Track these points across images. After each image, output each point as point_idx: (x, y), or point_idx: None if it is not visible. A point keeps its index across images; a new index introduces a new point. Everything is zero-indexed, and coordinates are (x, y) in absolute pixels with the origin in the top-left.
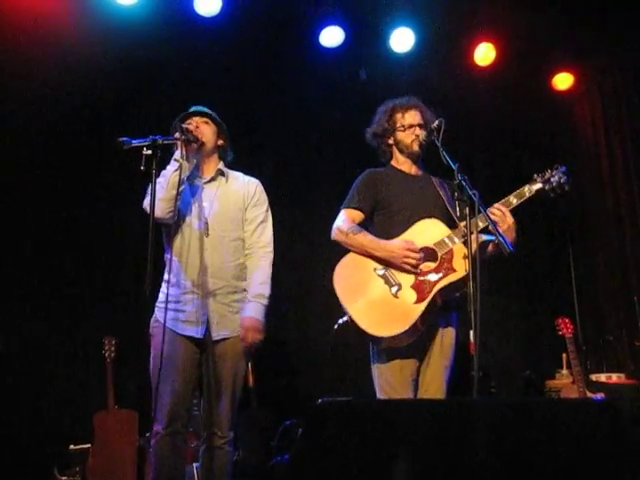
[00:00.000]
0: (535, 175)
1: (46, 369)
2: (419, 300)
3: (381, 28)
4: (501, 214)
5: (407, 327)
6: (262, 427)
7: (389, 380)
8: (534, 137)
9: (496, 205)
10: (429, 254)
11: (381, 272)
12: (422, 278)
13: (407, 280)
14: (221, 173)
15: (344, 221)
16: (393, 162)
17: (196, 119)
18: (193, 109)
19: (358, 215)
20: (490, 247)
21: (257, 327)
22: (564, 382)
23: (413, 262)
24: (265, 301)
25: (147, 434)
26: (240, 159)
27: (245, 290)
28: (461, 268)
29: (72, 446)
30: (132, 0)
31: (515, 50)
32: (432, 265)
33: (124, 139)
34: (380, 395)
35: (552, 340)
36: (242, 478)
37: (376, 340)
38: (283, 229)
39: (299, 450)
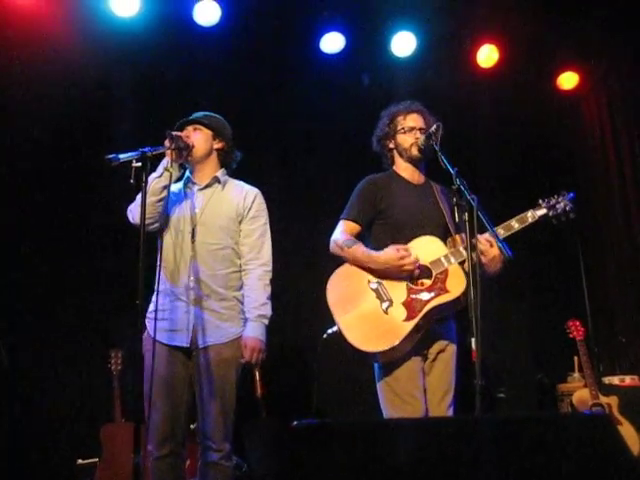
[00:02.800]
0: (540, 200)
1: (53, 383)
2: (408, 318)
3: (382, 33)
4: (487, 246)
5: (393, 345)
6: (271, 437)
7: (398, 393)
8: (540, 138)
9: (485, 235)
10: (424, 272)
11: (374, 286)
12: (414, 296)
13: (399, 296)
14: (217, 180)
15: (340, 234)
16: (395, 167)
17: (188, 128)
18: (188, 118)
19: (355, 227)
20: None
21: (260, 347)
22: (576, 385)
23: (411, 267)
24: (266, 321)
25: (142, 451)
26: (241, 167)
27: (236, 298)
28: (454, 289)
29: (80, 460)
30: (131, 12)
31: (519, 50)
32: (427, 282)
33: (111, 156)
34: (388, 411)
35: (563, 343)
36: None
37: (368, 356)
38: (288, 237)
39: (278, 472)
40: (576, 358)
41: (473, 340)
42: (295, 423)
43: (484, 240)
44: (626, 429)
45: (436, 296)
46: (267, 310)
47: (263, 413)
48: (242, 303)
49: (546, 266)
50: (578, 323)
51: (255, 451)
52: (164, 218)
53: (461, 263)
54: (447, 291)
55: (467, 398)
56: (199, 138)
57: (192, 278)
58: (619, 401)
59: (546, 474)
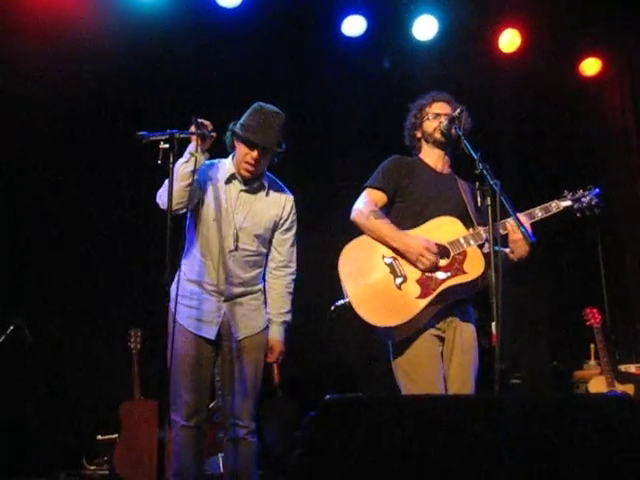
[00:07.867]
0: (566, 191)
1: (74, 361)
2: (422, 296)
3: (404, 16)
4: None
5: (404, 321)
6: (286, 418)
7: (413, 378)
8: (562, 125)
9: (509, 220)
10: (441, 251)
11: (389, 260)
12: (429, 274)
13: (413, 273)
14: (262, 186)
15: (366, 203)
16: (421, 155)
17: (255, 154)
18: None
19: (381, 197)
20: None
21: (284, 350)
22: (592, 373)
23: (427, 263)
24: (287, 327)
25: (166, 426)
26: None
27: (260, 291)
28: (471, 271)
29: (99, 436)
30: None
31: (541, 36)
32: (443, 263)
33: (142, 133)
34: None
35: (580, 330)
36: (266, 469)
37: (379, 331)
38: (307, 220)
39: (307, 446)
40: (592, 345)
41: (493, 324)
42: (327, 397)
43: (508, 225)
44: None
45: (452, 276)
46: (290, 317)
47: (279, 393)
48: (264, 293)
49: (564, 253)
50: (595, 310)
51: (273, 429)
52: (202, 208)
53: (480, 246)
54: (464, 272)
55: (484, 382)
56: (262, 164)
57: (226, 278)
58: (635, 389)
59: (568, 454)
